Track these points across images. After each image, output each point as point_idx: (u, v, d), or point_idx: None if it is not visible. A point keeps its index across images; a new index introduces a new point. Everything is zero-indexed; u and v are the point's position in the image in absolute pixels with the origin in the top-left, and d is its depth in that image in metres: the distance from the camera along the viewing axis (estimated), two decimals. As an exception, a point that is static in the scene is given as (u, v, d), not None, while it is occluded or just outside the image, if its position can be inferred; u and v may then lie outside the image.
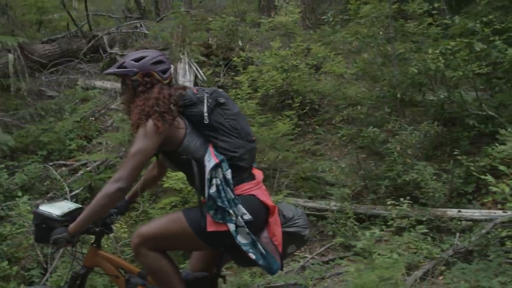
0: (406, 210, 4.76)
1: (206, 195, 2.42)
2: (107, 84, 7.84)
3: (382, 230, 4.69)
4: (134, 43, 9.25)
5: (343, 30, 7.26)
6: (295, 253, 4.59)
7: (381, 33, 6.32)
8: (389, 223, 4.81)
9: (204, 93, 2.53)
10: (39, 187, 5.51)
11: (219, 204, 2.40)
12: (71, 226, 2.45)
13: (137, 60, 2.57)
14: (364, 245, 4.11)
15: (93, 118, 6.92)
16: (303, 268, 4.61)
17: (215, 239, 2.46)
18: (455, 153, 5.28)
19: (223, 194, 2.41)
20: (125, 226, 4.82)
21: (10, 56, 5.27)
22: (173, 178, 4.76)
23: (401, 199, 4.82)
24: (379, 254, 4.05)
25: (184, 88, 2.62)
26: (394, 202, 4.85)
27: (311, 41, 7.57)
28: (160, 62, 2.60)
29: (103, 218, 2.72)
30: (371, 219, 5.06)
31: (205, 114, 2.47)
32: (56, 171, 5.71)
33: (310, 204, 5.29)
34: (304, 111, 6.77)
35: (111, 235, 3.75)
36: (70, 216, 2.60)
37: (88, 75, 8.46)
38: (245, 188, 2.51)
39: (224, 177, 2.43)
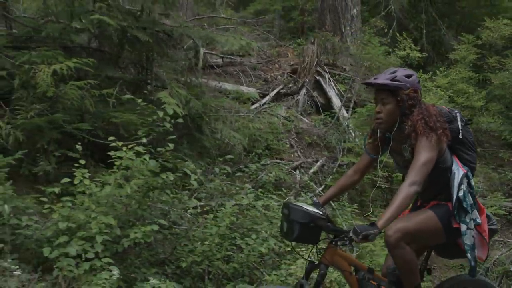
0: None
1: (455, 197, 2.88)
2: (245, 89, 8.00)
3: None
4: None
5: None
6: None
7: None
8: None
9: (455, 112, 3.00)
10: (289, 183, 6.04)
11: (464, 205, 2.87)
12: (380, 223, 2.60)
13: (407, 76, 2.89)
14: None
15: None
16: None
17: (454, 234, 2.91)
18: None
19: (467, 199, 2.89)
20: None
21: (202, 50, 5.18)
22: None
23: None
24: None
25: (433, 105, 2.98)
26: None
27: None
28: (419, 82, 2.97)
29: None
30: None
31: (461, 130, 2.95)
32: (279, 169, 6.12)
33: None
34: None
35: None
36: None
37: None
38: None
39: (469, 184, 2.94)
